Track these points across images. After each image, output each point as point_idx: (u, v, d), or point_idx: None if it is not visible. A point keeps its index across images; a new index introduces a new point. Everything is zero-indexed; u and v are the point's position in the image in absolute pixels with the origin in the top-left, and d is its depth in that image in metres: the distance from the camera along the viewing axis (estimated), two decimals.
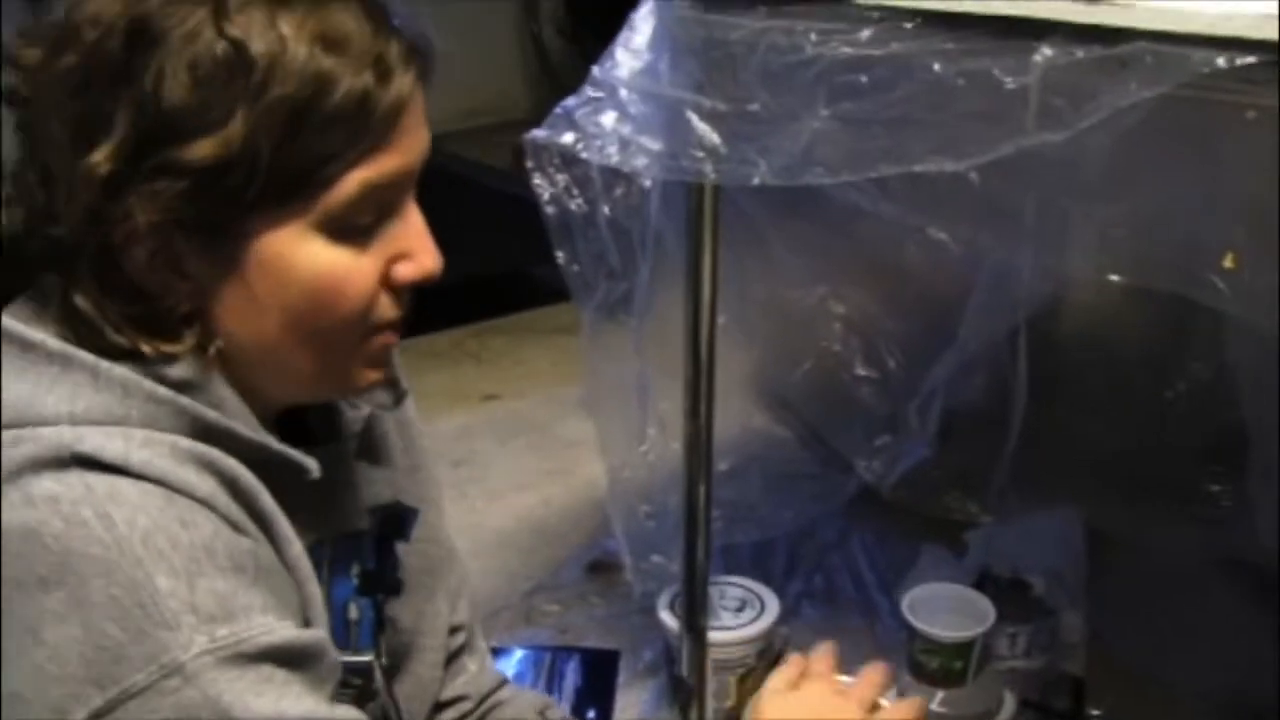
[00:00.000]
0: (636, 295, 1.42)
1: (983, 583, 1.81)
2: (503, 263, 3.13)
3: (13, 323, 0.81)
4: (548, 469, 2.45)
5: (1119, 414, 1.65)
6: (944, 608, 1.71)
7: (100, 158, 0.78)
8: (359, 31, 0.82)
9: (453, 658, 1.22)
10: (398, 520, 1.08)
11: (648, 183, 1.34)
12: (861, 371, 1.72)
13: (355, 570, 1.03)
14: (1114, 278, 1.17)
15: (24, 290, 0.86)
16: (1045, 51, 1.01)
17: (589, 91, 1.25)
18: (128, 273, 0.82)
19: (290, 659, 0.79)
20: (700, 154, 1.20)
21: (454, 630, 1.21)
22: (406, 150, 0.86)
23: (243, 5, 0.79)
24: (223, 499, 0.81)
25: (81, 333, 0.83)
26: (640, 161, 1.22)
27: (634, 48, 1.26)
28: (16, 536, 0.75)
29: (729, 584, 1.81)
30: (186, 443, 0.81)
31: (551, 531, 2.24)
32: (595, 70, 1.25)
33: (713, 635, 1.67)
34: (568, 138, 1.24)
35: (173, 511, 0.77)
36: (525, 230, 3.03)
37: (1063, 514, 1.80)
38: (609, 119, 1.23)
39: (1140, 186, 1.07)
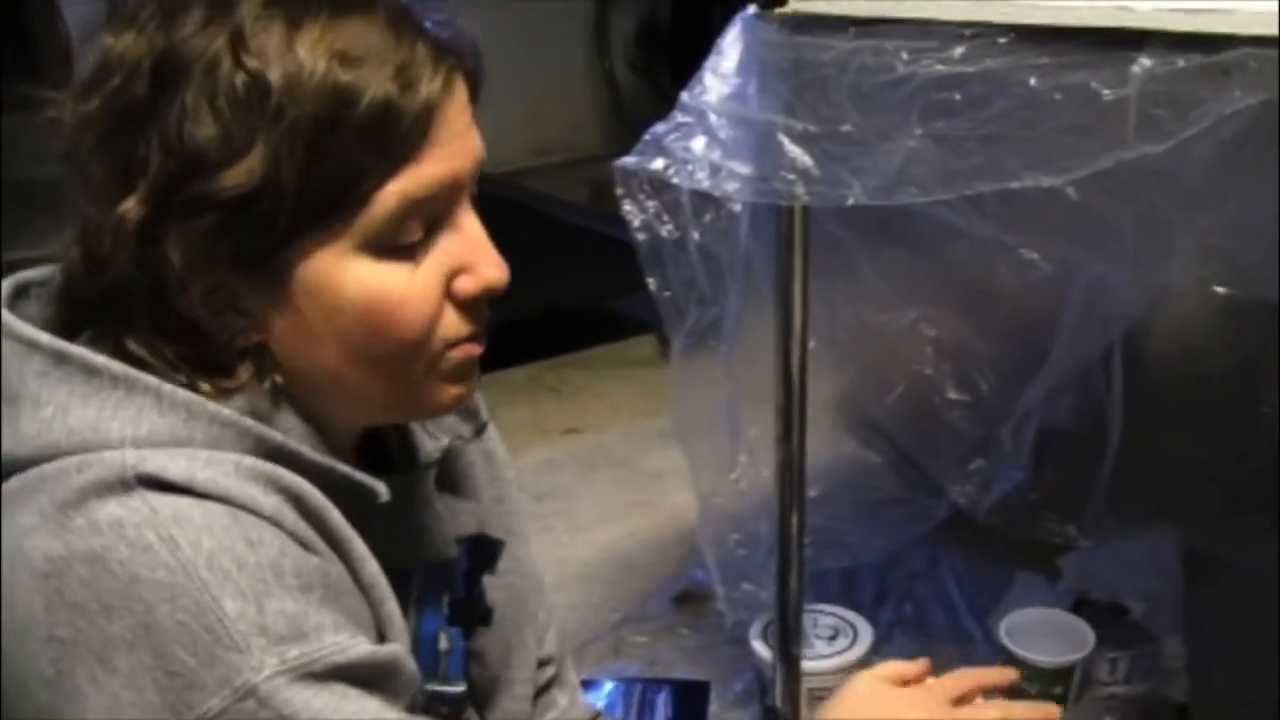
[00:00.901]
0: (726, 321, 1.41)
1: (1079, 608, 1.78)
2: (579, 296, 3.14)
3: (76, 348, 0.81)
4: (631, 501, 2.45)
5: (1216, 431, 1.62)
6: (1042, 633, 1.68)
7: (131, 204, 0.78)
8: (379, 41, 0.80)
9: (542, 691, 1.20)
10: (484, 552, 1.07)
11: (737, 207, 1.34)
12: (953, 395, 1.70)
13: (445, 600, 1.03)
14: (1217, 289, 1.15)
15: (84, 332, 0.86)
16: (1144, 62, 0.99)
17: (678, 117, 1.25)
18: (183, 313, 0.81)
19: (364, 676, 0.78)
20: (792, 176, 1.19)
21: (543, 664, 1.19)
22: (448, 157, 0.83)
23: (259, 30, 0.78)
24: (289, 515, 0.80)
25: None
26: (731, 186, 1.21)
27: (722, 72, 1.26)
28: (82, 563, 0.74)
29: (822, 612, 1.79)
30: (251, 460, 0.80)
31: (637, 563, 2.24)
32: (684, 95, 1.25)
33: (806, 664, 1.66)
34: (658, 164, 1.24)
35: (238, 531, 0.76)
36: (601, 264, 3.07)
37: (1157, 536, 1.77)
38: (698, 144, 1.23)
39: (1243, 195, 1.05)
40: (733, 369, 1.48)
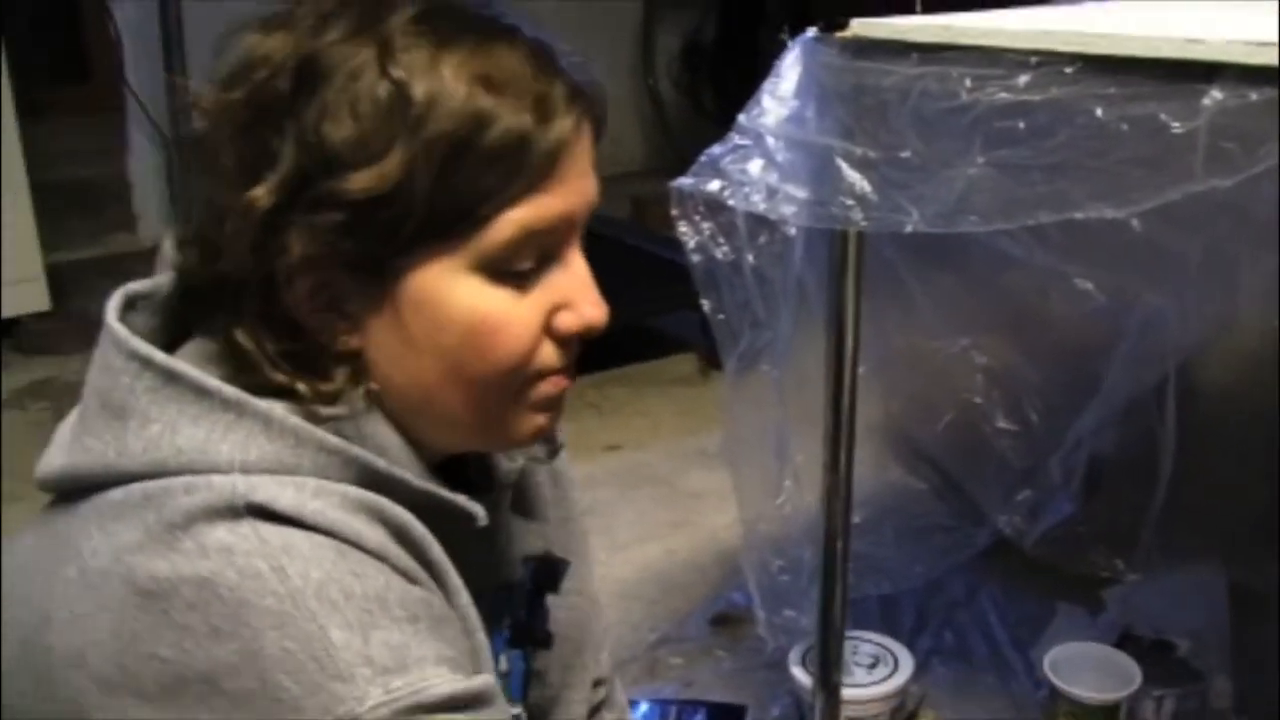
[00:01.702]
0: (778, 344, 1.40)
1: (1124, 643, 1.76)
2: (621, 313, 3.11)
3: (188, 368, 0.81)
4: (671, 520, 2.43)
5: (1270, 467, 1.59)
6: (1087, 668, 1.66)
7: (262, 191, 0.79)
8: (521, 72, 0.82)
9: (593, 711, 1.20)
10: (549, 572, 1.07)
11: (792, 230, 1.33)
12: (1003, 424, 1.68)
13: (506, 622, 1.02)
14: None
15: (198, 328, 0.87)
16: (1215, 94, 0.98)
17: (735, 139, 1.24)
18: (288, 308, 0.83)
19: (467, 707, 0.78)
20: (849, 201, 1.18)
21: (597, 683, 1.19)
22: (568, 195, 0.85)
23: (407, 45, 0.80)
24: (394, 549, 0.80)
25: (241, 368, 0.83)
26: (788, 209, 1.21)
27: (780, 95, 1.25)
28: (191, 586, 0.75)
29: (862, 640, 1.78)
30: (356, 492, 0.81)
31: (675, 583, 2.22)
32: (741, 118, 1.25)
33: (846, 692, 1.64)
34: (714, 185, 1.23)
35: (345, 564, 0.77)
36: (644, 280, 3.06)
37: (1205, 571, 1.75)
38: (755, 166, 1.23)
39: None
40: (783, 393, 1.47)
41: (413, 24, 0.81)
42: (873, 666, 1.74)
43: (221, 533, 0.76)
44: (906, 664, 1.75)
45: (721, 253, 1.32)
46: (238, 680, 0.73)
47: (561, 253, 0.87)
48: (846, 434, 1.43)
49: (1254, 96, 0.97)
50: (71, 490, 0.83)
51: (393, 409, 0.87)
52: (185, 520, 0.76)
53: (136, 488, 0.78)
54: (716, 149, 1.24)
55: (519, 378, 0.87)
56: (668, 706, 1.87)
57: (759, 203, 1.22)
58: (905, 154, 1.15)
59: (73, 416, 0.86)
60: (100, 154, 4.05)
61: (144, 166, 4.12)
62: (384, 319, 0.84)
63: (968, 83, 1.10)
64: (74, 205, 3.84)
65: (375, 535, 0.80)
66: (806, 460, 1.51)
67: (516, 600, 1.04)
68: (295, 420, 0.81)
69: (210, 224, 0.83)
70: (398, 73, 0.79)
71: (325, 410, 0.83)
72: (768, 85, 1.26)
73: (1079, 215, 1.06)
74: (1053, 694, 1.66)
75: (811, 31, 1.26)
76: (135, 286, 0.88)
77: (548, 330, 0.87)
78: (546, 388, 0.89)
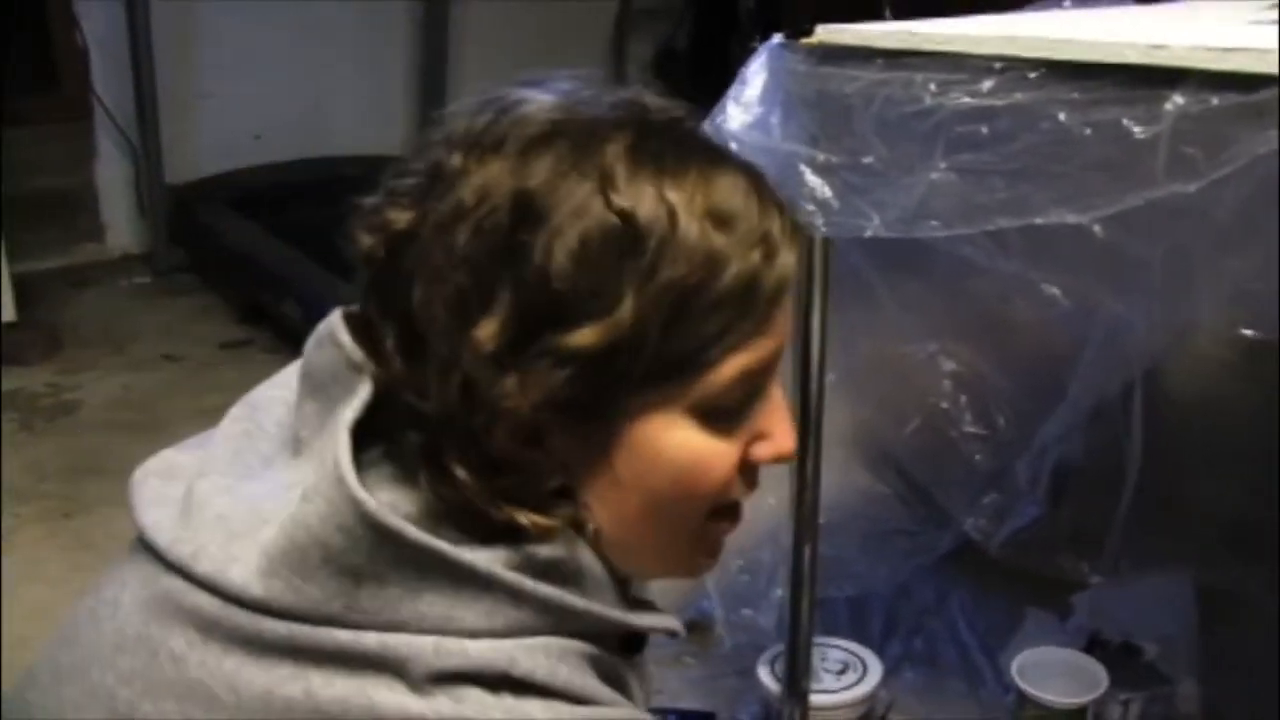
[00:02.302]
0: None
1: (1091, 647, 1.77)
2: None
3: (442, 545, 0.75)
4: None
5: (1235, 471, 1.60)
6: (1055, 672, 1.67)
7: (486, 334, 0.74)
8: (746, 206, 0.77)
9: None
10: None
11: None
12: (970, 428, 1.69)
13: None
14: (1244, 331, 1.13)
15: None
16: (1177, 100, 0.98)
17: None
18: (492, 446, 0.77)
19: None
20: (811, 207, 1.19)
21: None
22: (782, 330, 0.82)
23: (631, 178, 0.75)
24: (607, 696, 0.79)
25: (452, 503, 0.77)
26: None
27: (745, 101, 1.25)
28: None
29: (831, 646, 1.78)
30: (590, 651, 0.79)
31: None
32: (706, 124, 1.24)
33: (815, 698, 1.64)
34: None
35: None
36: None
37: (1172, 575, 1.76)
38: None
39: (1274, 237, 1.04)
40: None
41: (633, 152, 0.76)
42: (841, 673, 1.74)
43: (478, 693, 0.73)
44: (875, 670, 1.75)
45: None
46: None
47: (767, 387, 0.84)
48: (814, 440, 1.43)
49: (1216, 102, 0.97)
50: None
51: (596, 542, 0.83)
52: (438, 677, 0.73)
53: (372, 637, 0.74)
54: None
55: (707, 511, 0.84)
56: None
57: None
58: (868, 159, 1.15)
59: (264, 535, 0.76)
60: (68, 163, 4.03)
61: (112, 176, 4.11)
62: (593, 457, 0.80)
63: (931, 88, 1.11)
64: (41, 214, 3.81)
65: (604, 691, 0.79)
66: None
67: None
68: (545, 590, 0.77)
69: (401, 358, 0.78)
70: (625, 204, 0.74)
71: (544, 551, 0.79)
72: (733, 91, 1.26)
73: (1040, 220, 1.07)
74: (1020, 698, 1.66)
75: (777, 38, 1.26)
76: (350, 414, 0.78)
77: (742, 463, 0.84)
78: (724, 528, 0.87)
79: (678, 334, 0.76)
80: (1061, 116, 1.03)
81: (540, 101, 0.79)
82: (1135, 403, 1.59)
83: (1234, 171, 0.96)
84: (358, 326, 0.81)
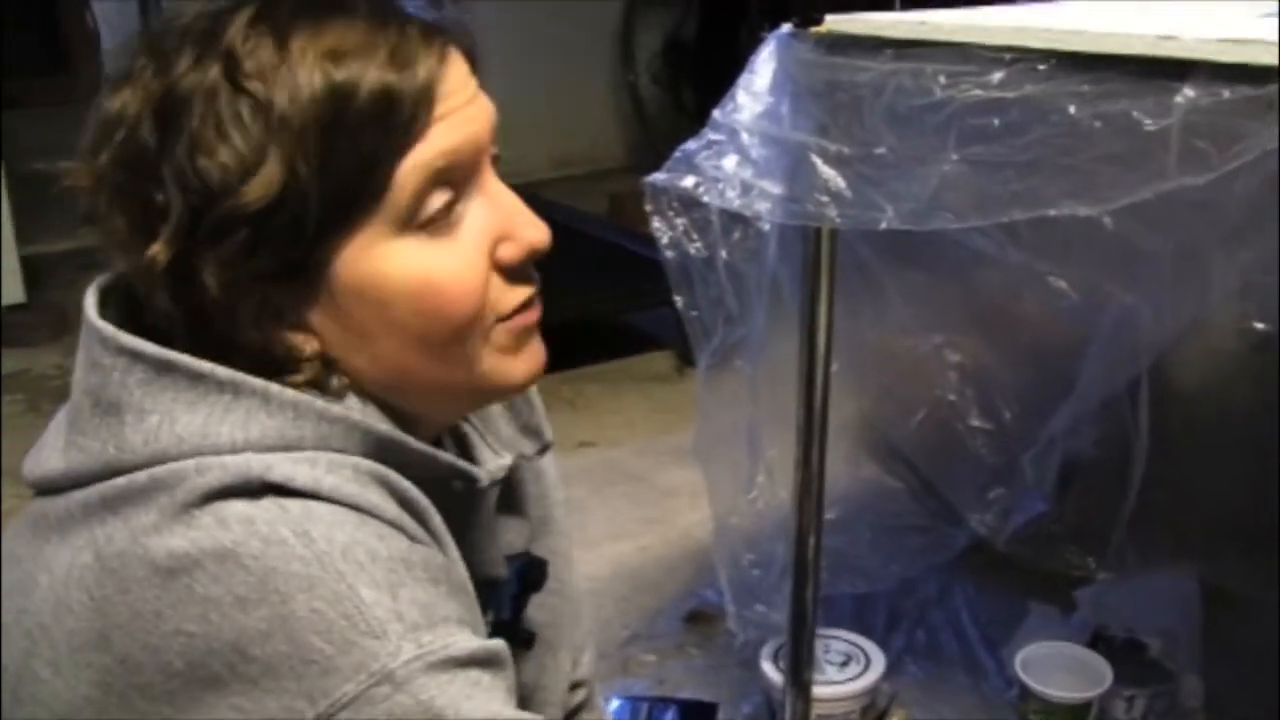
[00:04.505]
0: (751, 341, 1.40)
1: (1095, 643, 1.76)
2: (597, 309, 3.13)
3: (180, 355, 0.80)
4: (644, 517, 2.43)
5: (1242, 466, 1.60)
6: (1058, 667, 1.67)
7: (159, 246, 0.79)
8: (366, 33, 0.81)
9: (572, 714, 1.19)
10: (536, 571, 1.06)
11: (766, 227, 1.33)
12: (976, 422, 1.68)
13: (489, 619, 1.01)
14: (1255, 325, 1.13)
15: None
16: (1188, 93, 0.98)
17: (709, 135, 1.24)
18: (240, 340, 0.82)
19: (491, 664, 0.79)
20: (824, 198, 1.18)
21: (574, 686, 1.17)
22: (459, 124, 0.83)
23: (250, 50, 0.79)
24: (409, 521, 0.81)
25: None
26: (762, 205, 1.20)
27: (755, 90, 1.24)
28: (213, 559, 0.74)
29: (834, 638, 1.78)
30: (367, 464, 0.81)
31: (648, 581, 2.22)
32: (716, 113, 1.24)
33: (817, 690, 1.64)
34: (688, 181, 1.23)
35: (367, 529, 0.77)
36: (621, 277, 3.05)
37: (1177, 571, 1.75)
38: (730, 162, 1.22)
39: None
40: (756, 389, 1.46)
41: (250, 27, 0.80)
42: (844, 665, 1.74)
43: (241, 506, 0.75)
44: (878, 663, 1.75)
45: (695, 249, 1.32)
46: (268, 646, 0.73)
47: (479, 184, 0.86)
48: (819, 430, 1.42)
49: (1226, 94, 0.97)
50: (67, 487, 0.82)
51: (378, 397, 0.86)
52: (201, 499, 0.76)
53: (142, 474, 0.78)
54: (691, 145, 1.24)
55: (481, 326, 0.86)
56: (639, 704, 1.86)
57: (734, 199, 1.21)
58: (879, 150, 1.15)
59: (61, 416, 0.85)
60: (77, 145, 4.01)
61: None
62: (330, 315, 0.83)
63: (942, 79, 1.10)
64: (50, 197, 3.80)
65: (391, 507, 0.80)
66: (779, 456, 1.51)
67: (501, 598, 1.03)
68: (293, 393, 0.81)
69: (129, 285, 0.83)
70: (251, 83, 0.78)
71: (299, 379, 0.83)
72: (742, 81, 1.26)
73: (1052, 213, 1.06)
74: (1024, 693, 1.66)
75: (786, 27, 1.25)
76: (106, 280, 0.88)
77: (495, 269, 0.86)
78: (514, 326, 0.88)
79: (335, 168, 0.79)
80: (1072, 109, 1.03)
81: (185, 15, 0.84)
82: (1142, 397, 1.59)
83: (1244, 165, 0.96)
84: None
